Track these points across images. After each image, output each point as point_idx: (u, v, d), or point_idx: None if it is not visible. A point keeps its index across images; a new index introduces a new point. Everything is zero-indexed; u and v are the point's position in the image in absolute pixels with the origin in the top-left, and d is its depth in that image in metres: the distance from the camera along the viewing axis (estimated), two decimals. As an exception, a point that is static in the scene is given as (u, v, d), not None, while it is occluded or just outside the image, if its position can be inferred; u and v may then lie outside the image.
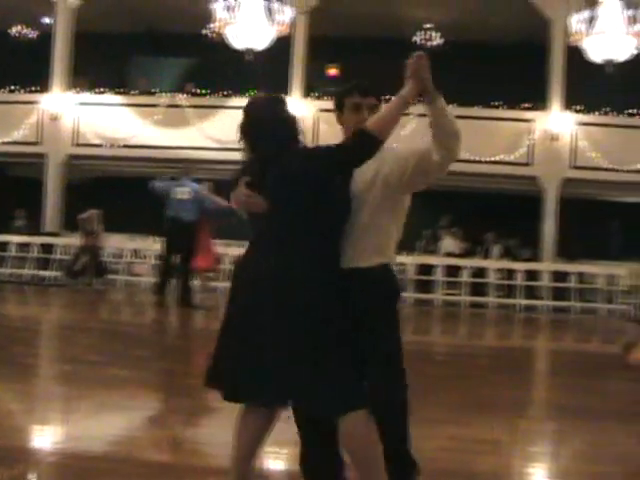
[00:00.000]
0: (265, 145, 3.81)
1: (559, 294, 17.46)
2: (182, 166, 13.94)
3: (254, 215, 3.84)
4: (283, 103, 3.96)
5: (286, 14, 17.20)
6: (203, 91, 19.63)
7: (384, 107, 3.78)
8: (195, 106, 19.47)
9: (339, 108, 3.99)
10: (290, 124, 3.90)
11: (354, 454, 3.76)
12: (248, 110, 3.91)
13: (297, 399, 3.76)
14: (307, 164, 3.75)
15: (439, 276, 17.71)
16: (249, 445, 3.91)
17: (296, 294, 3.69)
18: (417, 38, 20.93)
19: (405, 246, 16.10)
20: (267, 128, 3.82)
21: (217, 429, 5.80)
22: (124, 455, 4.92)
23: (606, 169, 18.63)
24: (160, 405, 6.79)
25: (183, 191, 13.10)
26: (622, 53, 16.64)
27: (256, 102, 3.99)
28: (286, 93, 18.89)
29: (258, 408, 3.86)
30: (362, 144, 3.67)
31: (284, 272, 3.71)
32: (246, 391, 3.78)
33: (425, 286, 18.04)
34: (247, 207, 3.83)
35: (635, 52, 16.70)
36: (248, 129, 3.87)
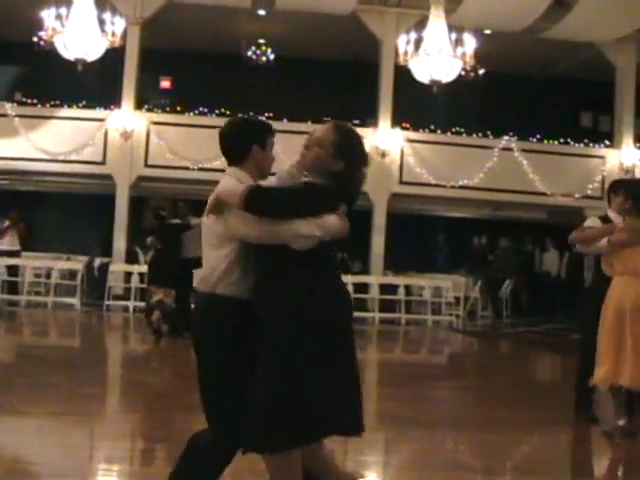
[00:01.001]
0: (359, 178, 3.92)
1: (387, 306, 17.81)
2: None
3: (327, 243, 3.77)
4: None
5: (118, 25, 16.89)
6: (32, 100, 19.04)
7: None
8: (23, 116, 18.79)
9: (262, 145, 3.98)
10: None
11: None
12: (360, 140, 3.95)
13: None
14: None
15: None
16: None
17: None
18: (250, 52, 21.02)
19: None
20: (365, 164, 3.94)
21: (41, 448, 5.66)
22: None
23: (432, 185, 19.27)
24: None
25: None
26: (447, 74, 17.19)
27: (358, 134, 3.98)
28: (118, 105, 18.56)
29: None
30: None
31: None
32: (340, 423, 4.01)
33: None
34: (342, 234, 3.78)
35: (460, 73, 17.30)
36: (359, 159, 3.91)
